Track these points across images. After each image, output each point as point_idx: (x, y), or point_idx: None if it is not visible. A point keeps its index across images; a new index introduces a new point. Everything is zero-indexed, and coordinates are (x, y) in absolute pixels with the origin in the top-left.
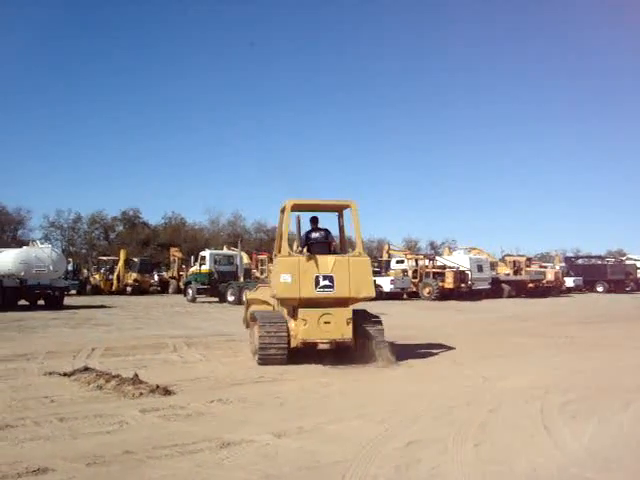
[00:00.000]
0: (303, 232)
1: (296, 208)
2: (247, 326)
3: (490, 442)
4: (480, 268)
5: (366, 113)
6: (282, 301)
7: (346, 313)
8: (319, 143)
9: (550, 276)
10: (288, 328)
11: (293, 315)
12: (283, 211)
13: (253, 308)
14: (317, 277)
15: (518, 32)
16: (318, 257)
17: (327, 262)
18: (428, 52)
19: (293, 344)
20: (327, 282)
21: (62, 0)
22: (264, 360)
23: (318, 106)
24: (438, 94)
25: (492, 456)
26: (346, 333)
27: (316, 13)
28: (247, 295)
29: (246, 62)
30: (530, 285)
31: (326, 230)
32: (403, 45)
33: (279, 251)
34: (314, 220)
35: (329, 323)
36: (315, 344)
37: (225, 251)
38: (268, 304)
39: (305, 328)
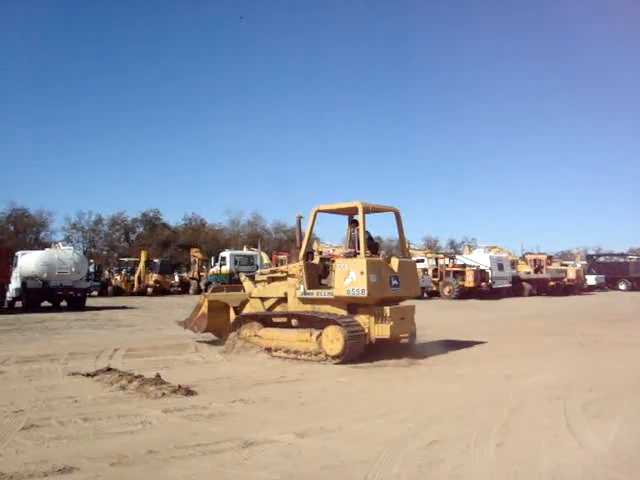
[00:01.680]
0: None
1: (321, 212)
2: (198, 328)
3: (513, 442)
4: (501, 267)
5: (385, 111)
6: (366, 300)
7: (413, 310)
8: (336, 142)
9: (571, 274)
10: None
11: (356, 312)
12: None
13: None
14: (390, 277)
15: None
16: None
17: (394, 263)
18: (449, 44)
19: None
20: (395, 281)
21: None
22: (349, 359)
23: (334, 104)
24: (456, 90)
25: (515, 456)
26: (413, 328)
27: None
28: (226, 296)
29: (263, 61)
30: (551, 283)
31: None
32: (424, 38)
33: (357, 253)
34: (355, 222)
35: (404, 319)
36: (398, 339)
37: (245, 251)
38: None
39: (392, 325)
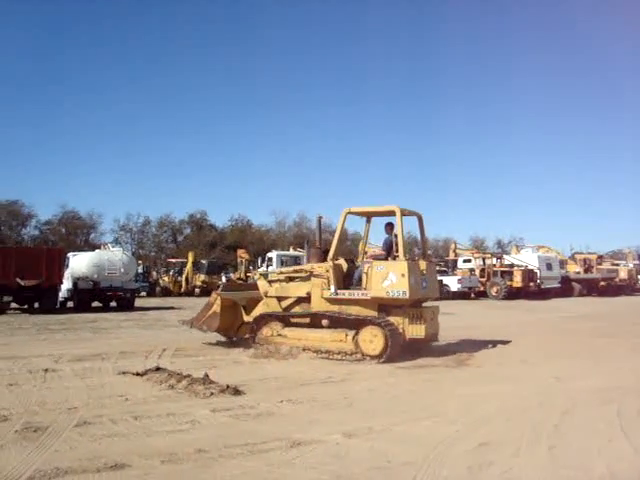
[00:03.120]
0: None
1: (351, 214)
2: (208, 327)
3: (565, 445)
4: (549, 266)
5: (432, 110)
6: (404, 301)
7: (438, 310)
8: (379, 142)
9: (623, 274)
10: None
11: (388, 313)
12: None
13: (261, 308)
14: (421, 279)
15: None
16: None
17: (422, 265)
18: (488, 35)
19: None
20: (424, 283)
21: None
22: (389, 358)
23: (380, 103)
24: (503, 86)
25: (567, 460)
26: (438, 328)
27: None
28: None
29: (310, 61)
30: (602, 284)
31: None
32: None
33: (395, 256)
34: (392, 225)
35: (433, 320)
36: (430, 340)
37: (291, 252)
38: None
39: (426, 325)
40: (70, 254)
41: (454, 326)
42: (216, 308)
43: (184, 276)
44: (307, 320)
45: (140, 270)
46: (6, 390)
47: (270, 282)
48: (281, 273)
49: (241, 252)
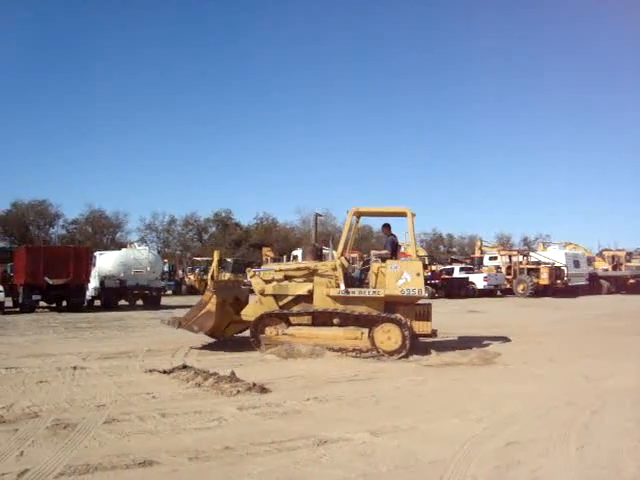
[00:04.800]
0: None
1: (359, 214)
2: (200, 327)
3: (594, 445)
4: (577, 264)
5: (458, 106)
6: (416, 299)
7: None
8: (407, 139)
9: None
10: None
11: (393, 311)
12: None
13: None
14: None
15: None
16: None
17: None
18: (519, 28)
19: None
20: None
21: None
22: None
23: (407, 98)
24: (532, 80)
25: (597, 460)
26: None
27: None
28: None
29: (334, 60)
30: (631, 281)
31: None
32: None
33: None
34: (389, 226)
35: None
36: (432, 334)
37: None
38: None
39: (431, 322)
40: (97, 253)
41: (480, 324)
42: (211, 307)
43: (210, 274)
44: (309, 319)
45: (166, 269)
46: (36, 387)
47: (265, 280)
48: (280, 271)
49: (266, 250)
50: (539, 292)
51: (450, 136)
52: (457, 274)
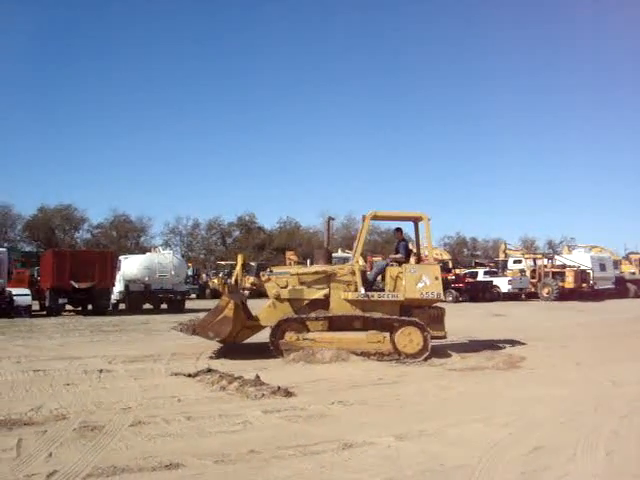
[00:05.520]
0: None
1: (377, 218)
2: (216, 334)
3: (623, 451)
4: (603, 267)
5: (480, 107)
6: (433, 302)
7: None
8: (428, 143)
9: None
10: None
11: (409, 314)
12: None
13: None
14: None
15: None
16: None
17: None
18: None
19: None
20: None
21: None
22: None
23: (431, 98)
24: (553, 80)
25: (626, 466)
26: None
27: None
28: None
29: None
30: None
31: None
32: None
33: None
34: (402, 231)
35: None
36: (445, 337)
37: (340, 254)
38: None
39: (445, 325)
40: (122, 257)
41: (504, 328)
42: (228, 313)
43: (233, 278)
44: (324, 323)
45: (190, 272)
46: (63, 390)
47: (280, 285)
48: (295, 275)
49: (290, 254)
50: (564, 296)
51: (474, 138)
52: (481, 277)
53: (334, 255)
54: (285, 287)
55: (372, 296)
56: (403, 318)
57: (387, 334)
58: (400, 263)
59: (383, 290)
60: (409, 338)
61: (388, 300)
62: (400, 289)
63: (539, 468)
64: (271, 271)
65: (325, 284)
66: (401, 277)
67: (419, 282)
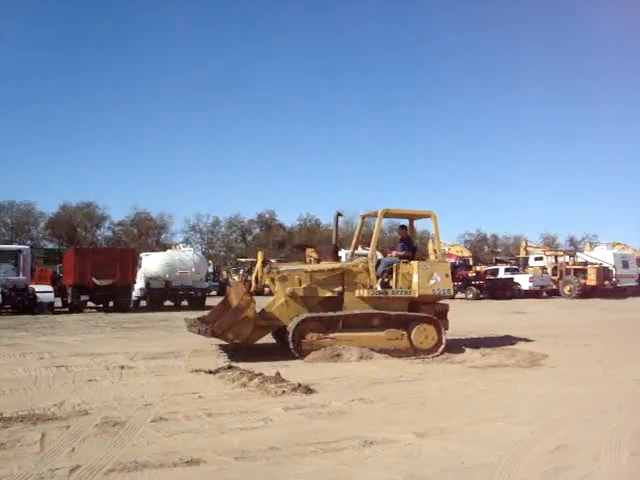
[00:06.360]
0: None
1: (388, 215)
2: (236, 335)
3: None
4: (625, 264)
5: (502, 105)
6: (441, 298)
7: None
8: (450, 138)
9: None
10: None
11: (417, 310)
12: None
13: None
14: None
15: None
16: None
17: None
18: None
19: None
20: None
21: None
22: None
23: (452, 98)
24: (579, 79)
25: None
26: None
27: None
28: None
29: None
30: None
31: None
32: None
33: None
34: (406, 228)
35: None
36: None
37: (360, 251)
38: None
39: (448, 320)
40: (142, 254)
41: (525, 325)
42: (249, 313)
43: (254, 275)
44: (340, 321)
45: (210, 269)
46: (85, 386)
47: (293, 282)
48: (308, 272)
49: (310, 251)
50: (586, 293)
51: (496, 133)
52: (502, 275)
53: (356, 252)
54: (300, 285)
55: (387, 293)
56: (421, 314)
57: (405, 331)
58: (405, 260)
59: (387, 286)
60: (425, 334)
61: (402, 297)
62: (413, 286)
63: (561, 467)
64: (274, 267)
65: (339, 281)
66: (410, 273)
67: (431, 279)
